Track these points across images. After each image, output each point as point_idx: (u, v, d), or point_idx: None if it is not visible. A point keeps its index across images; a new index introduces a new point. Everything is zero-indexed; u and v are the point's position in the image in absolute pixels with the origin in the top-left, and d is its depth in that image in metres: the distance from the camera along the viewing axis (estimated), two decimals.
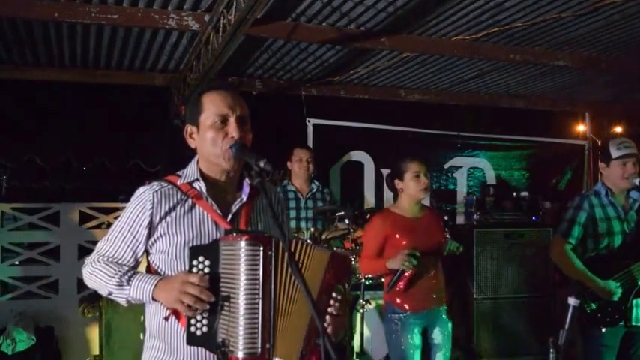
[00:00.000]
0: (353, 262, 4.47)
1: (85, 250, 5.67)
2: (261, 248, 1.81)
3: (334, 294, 1.91)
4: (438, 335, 3.72)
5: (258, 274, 1.81)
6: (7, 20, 4.64)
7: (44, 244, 5.74)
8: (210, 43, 4.56)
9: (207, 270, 1.87)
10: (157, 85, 6.18)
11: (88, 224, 5.82)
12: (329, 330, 1.89)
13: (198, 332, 1.85)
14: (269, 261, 1.82)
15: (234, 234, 1.89)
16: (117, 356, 4.57)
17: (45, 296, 5.66)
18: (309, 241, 4.26)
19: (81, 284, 5.65)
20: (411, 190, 3.72)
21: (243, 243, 1.81)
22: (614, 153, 3.62)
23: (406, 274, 3.53)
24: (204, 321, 1.85)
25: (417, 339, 3.65)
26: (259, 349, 1.79)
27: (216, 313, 1.84)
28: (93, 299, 4.69)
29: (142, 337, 3.91)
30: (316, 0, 4.40)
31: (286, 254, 1.80)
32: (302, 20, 4.75)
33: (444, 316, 3.75)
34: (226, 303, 1.83)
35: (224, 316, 1.83)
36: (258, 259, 1.81)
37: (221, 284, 1.85)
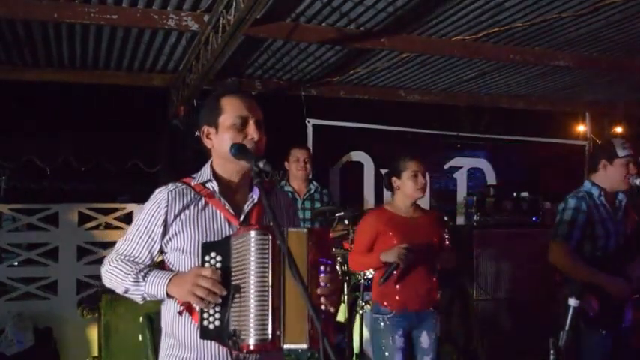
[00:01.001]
0: None
1: (84, 251, 5.66)
2: (270, 237, 1.85)
3: (322, 267, 1.94)
4: (425, 339, 3.66)
5: (268, 263, 1.85)
6: (5, 21, 4.63)
7: (43, 244, 5.73)
8: (210, 44, 4.56)
9: (218, 265, 1.94)
10: (156, 86, 6.17)
11: (87, 225, 5.80)
12: (323, 302, 1.91)
13: (211, 326, 1.90)
14: (278, 250, 1.85)
15: (244, 227, 1.95)
16: (116, 357, 4.55)
17: (44, 297, 5.64)
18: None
19: (80, 285, 5.65)
20: (408, 189, 3.67)
21: (253, 233, 1.86)
22: (620, 152, 3.54)
23: (400, 267, 3.49)
24: (217, 315, 1.90)
25: (399, 341, 3.59)
26: (269, 336, 1.82)
27: (227, 306, 1.89)
28: (92, 300, 4.69)
29: (140, 339, 3.91)
30: (316, 0, 4.39)
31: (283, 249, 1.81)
32: (301, 20, 4.74)
33: (432, 319, 3.69)
34: (237, 294, 1.87)
35: (235, 307, 1.88)
36: (267, 248, 1.85)
37: (232, 277, 1.90)
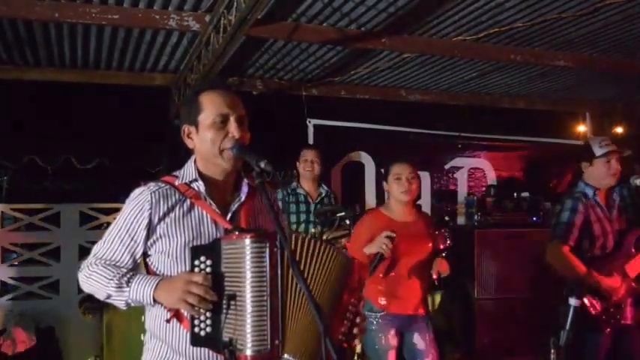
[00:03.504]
0: None
1: (85, 251, 5.66)
2: (267, 245, 1.79)
3: (353, 300, 1.91)
4: (419, 341, 3.63)
5: (265, 272, 1.78)
6: (7, 20, 4.64)
7: (45, 244, 5.74)
8: (211, 44, 4.57)
9: (209, 270, 1.85)
10: (157, 86, 6.18)
11: (88, 225, 5.83)
12: (341, 339, 1.88)
13: (202, 333, 1.82)
14: (275, 258, 1.80)
15: (236, 232, 1.87)
16: (117, 357, 4.57)
17: (45, 297, 5.66)
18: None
19: None
20: (394, 192, 3.67)
21: (247, 241, 1.78)
22: (598, 151, 3.62)
23: (385, 258, 3.43)
24: (208, 321, 1.83)
25: (392, 340, 3.58)
26: (268, 346, 1.77)
27: (219, 312, 1.82)
28: (94, 300, 4.69)
29: (142, 338, 3.92)
30: (317, 0, 4.40)
31: (288, 254, 1.78)
32: (303, 21, 4.75)
33: (423, 323, 3.66)
34: (232, 302, 1.80)
35: (230, 315, 1.81)
36: (264, 257, 1.78)
37: (225, 283, 1.83)
